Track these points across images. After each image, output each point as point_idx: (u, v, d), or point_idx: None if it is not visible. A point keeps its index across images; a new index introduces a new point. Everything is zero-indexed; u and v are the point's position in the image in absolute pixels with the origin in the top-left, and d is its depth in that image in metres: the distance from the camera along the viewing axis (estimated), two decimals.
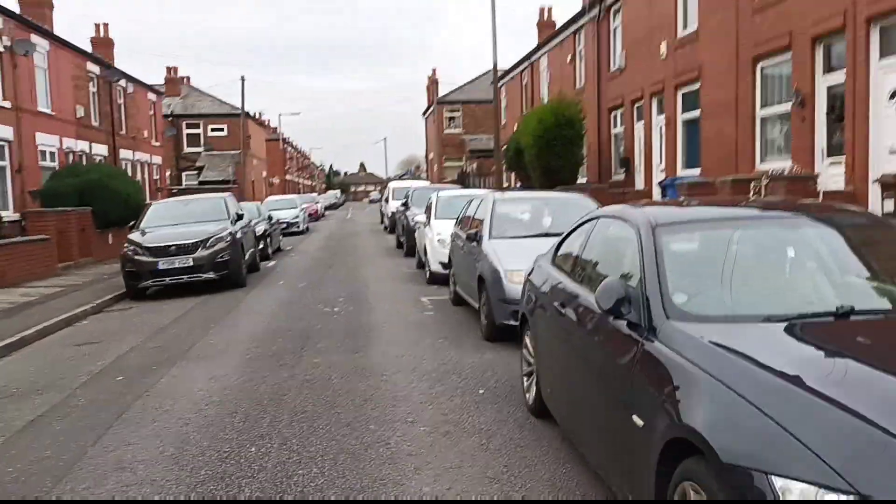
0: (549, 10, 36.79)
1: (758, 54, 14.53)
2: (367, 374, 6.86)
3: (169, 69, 51.12)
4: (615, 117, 23.87)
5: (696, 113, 17.58)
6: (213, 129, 49.90)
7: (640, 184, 21.30)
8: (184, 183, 46.10)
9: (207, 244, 13.32)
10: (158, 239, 13.39)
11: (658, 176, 19.67)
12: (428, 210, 14.49)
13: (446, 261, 11.53)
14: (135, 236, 13.76)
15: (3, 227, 17.91)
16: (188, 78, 54.07)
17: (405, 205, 19.41)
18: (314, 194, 67.09)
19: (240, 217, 15.11)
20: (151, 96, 36.06)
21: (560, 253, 5.32)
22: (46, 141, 23.37)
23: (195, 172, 47.67)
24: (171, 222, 14.26)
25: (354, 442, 5.04)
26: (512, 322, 7.39)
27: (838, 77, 12.24)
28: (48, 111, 23.60)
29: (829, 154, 12.64)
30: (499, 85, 26.36)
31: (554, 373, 4.77)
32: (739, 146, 15.25)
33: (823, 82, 12.72)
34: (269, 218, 21.20)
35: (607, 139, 24.34)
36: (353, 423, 5.43)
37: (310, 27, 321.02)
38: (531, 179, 23.13)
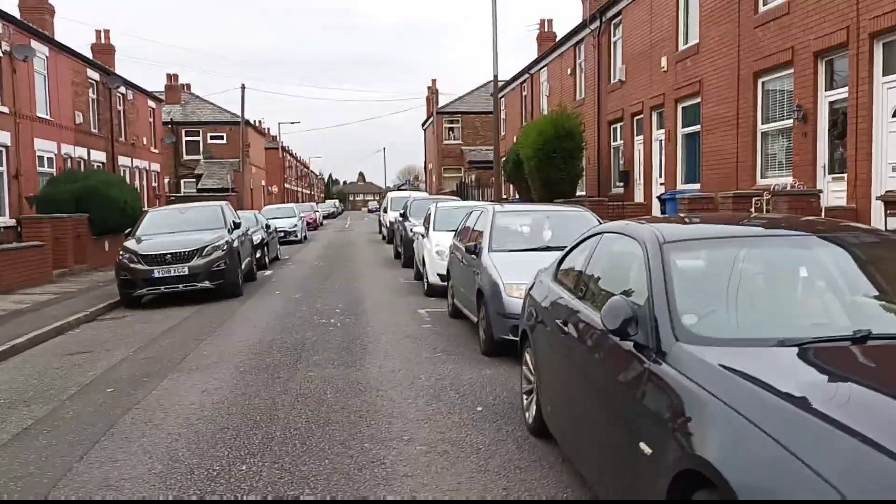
0: (550, 22, 36.86)
1: (759, 69, 14.48)
2: (363, 389, 6.71)
3: (169, 76, 51.14)
4: (615, 130, 23.83)
5: (696, 127, 17.53)
6: (212, 137, 49.87)
7: (639, 197, 21.22)
8: (182, 190, 46.00)
9: (203, 253, 13.18)
10: (154, 247, 13.24)
11: (657, 190, 19.59)
12: (426, 221, 14.38)
13: (444, 273, 11.40)
14: (130, 244, 13.61)
15: None
16: (188, 85, 54.13)
17: (403, 215, 19.30)
18: (313, 203, 67.00)
19: (237, 226, 14.97)
20: (151, 103, 36.01)
21: (562, 268, 5.19)
22: (45, 147, 23.27)
23: (194, 180, 47.58)
24: (167, 230, 14.12)
25: (348, 461, 4.89)
26: (511, 337, 7.26)
27: (841, 93, 12.17)
28: (47, 117, 23.51)
29: (831, 170, 12.56)
30: (499, 96, 26.32)
31: (555, 392, 4.64)
32: (740, 161, 15.18)
33: (826, 98, 12.66)
34: (267, 227, 21.07)
35: (607, 152, 24.28)
36: (348, 441, 5.27)
37: (312, 38, 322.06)
38: (530, 191, 23.05)
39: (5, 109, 20.35)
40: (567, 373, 4.37)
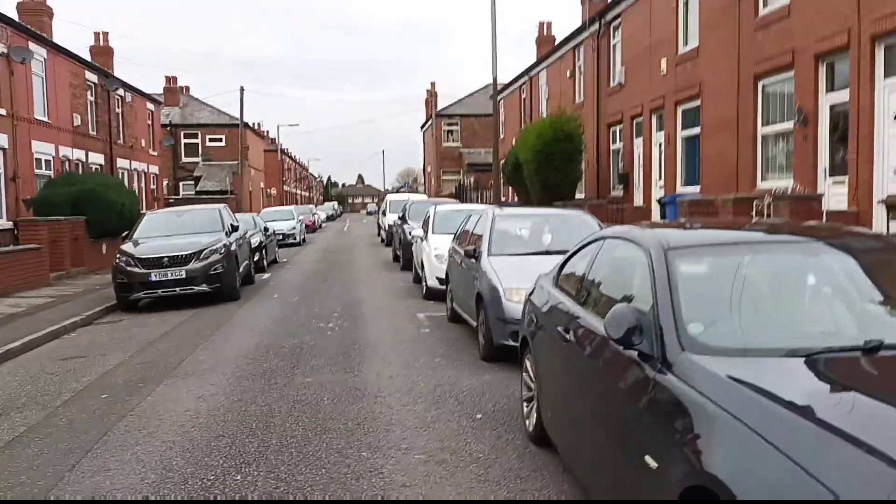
0: (549, 25, 36.80)
1: (759, 72, 14.42)
2: (361, 396, 6.62)
3: (168, 79, 51.08)
4: (614, 133, 23.76)
5: (696, 130, 17.46)
6: (211, 140, 49.78)
7: (638, 200, 21.15)
8: (181, 193, 45.92)
9: (201, 256, 13.09)
10: (151, 250, 13.15)
11: (657, 192, 19.52)
12: (425, 224, 14.30)
13: (444, 276, 11.31)
14: (127, 247, 13.52)
15: None
16: (187, 87, 54.01)
17: (402, 218, 19.22)
18: (312, 206, 66.90)
19: (234, 228, 14.88)
20: (150, 105, 35.91)
21: (564, 273, 5.10)
22: (42, 149, 23.17)
23: (192, 182, 47.50)
24: (164, 233, 14.03)
25: (345, 471, 4.80)
26: (511, 342, 7.18)
27: (842, 96, 12.10)
28: (45, 119, 23.41)
29: (832, 174, 12.49)
30: (498, 99, 26.24)
31: (556, 400, 4.55)
32: (740, 164, 15.10)
33: (826, 101, 12.59)
34: (266, 229, 20.97)
35: (606, 155, 24.21)
36: (345, 450, 5.18)
37: (312, 39, 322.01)
38: (529, 194, 22.97)
39: (3, 112, 20.26)
40: (568, 381, 4.29)
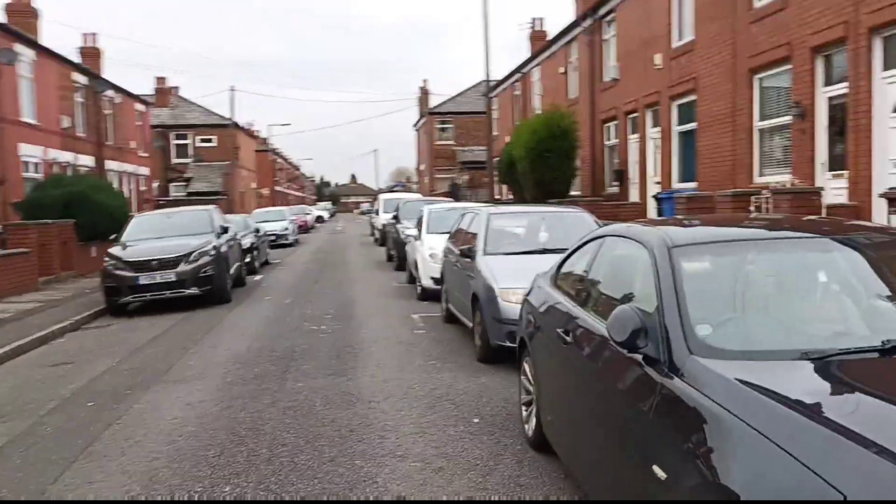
0: (542, 21, 36.60)
1: (755, 66, 14.27)
2: (354, 401, 6.44)
3: (158, 80, 50.69)
4: (609, 129, 23.61)
5: (692, 125, 17.31)
6: (201, 140, 49.43)
7: (634, 196, 21.00)
8: (172, 194, 45.58)
9: (190, 258, 12.87)
10: (140, 253, 12.93)
11: (653, 189, 19.37)
12: (419, 223, 14.12)
13: (438, 276, 11.14)
14: (115, 250, 13.30)
15: None
16: (177, 88, 53.61)
17: (396, 217, 19.03)
18: (305, 206, 66.51)
19: (225, 230, 14.65)
20: (139, 107, 35.63)
21: (562, 273, 4.94)
22: (30, 152, 22.91)
23: (184, 183, 47.16)
24: (153, 236, 13.80)
25: (338, 480, 4.62)
26: (507, 343, 7.02)
27: (839, 89, 11.97)
28: (33, 121, 23.14)
29: (831, 168, 12.35)
30: (491, 96, 26.10)
31: (556, 405, 4.38)
32: (737, 159, 14.96)
33: (824, 94, 12.45)
34: (257, 230, 20.74)
35: (601, 151, 24.06)
36: (338, 458, 5.00)
37: (311, 39, 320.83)
38: (524, 192, 22.80)
39: None
40: (569, 384, 4.12)
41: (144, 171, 35.80)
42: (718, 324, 3.09)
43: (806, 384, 2.64)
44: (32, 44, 23.51)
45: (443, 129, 54.67)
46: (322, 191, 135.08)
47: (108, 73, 30.84)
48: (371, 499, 4.34)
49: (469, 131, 51.87)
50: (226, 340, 9.74)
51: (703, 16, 16.27)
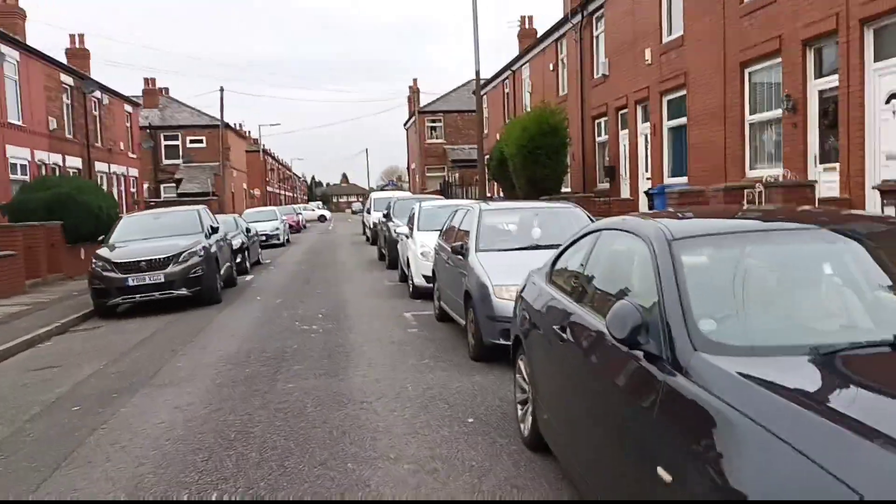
0: (530, 18, 36.50)
1: (746, 59, 14.22)
2: (346, 402, 6.30)
3: (147, 80, 50.34)
4: (599, 125, 23.54)
5: (682, 120, 17.25)
6: (191, 141, 49.14)
7: (626, 192, 20.94)
8: (162, 195, 45.29)
9: (179, 259, 12.69)
10: (128, 254, 12.75)
11: (644, 184, 19.31)
12: (411, 221, 13.98)
13: (430, 274, 11.02)
14: (103, 251, 13.11)
15: None
16: (166, 89, 53.27)
17: (387, 216, 18.88)
18: (298, 205, 66.08)
19: (214, 230, 14.48)
20: (128, 107, 35.34)
21: (557, 268, 4.82)
22: (17, 153, 22.66)
23: (174, 184, 46.87)
24: (142, 237, 13.62)
25: (329, 484, 4.49)
26: (501, 341, 6.90)
27: (831, 81, 11.92)
28: (19, 123, 22.88)
29: (823, 160, 12.30)
30: (481, 94, 25.95)
31: (554, 404, 4.26)
32: (728, 153, 14.91)
33: (815, 87, 12.40)
34: (248, 230, 20.56)
35: (591, 148, 23.99)
36: (329, 462, 4.87)
37: (292, 41, 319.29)
38: (515, 189, 22.71)
39: None
40: (567, 383, 4.00)
41: (134, 172, 35.51)
42: (722, 319, 2.98)
43: (818, 381, 2.53)
44: (18, 44, 23.24)
45: (433, 128, 54.53)
46: (313, 191, 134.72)
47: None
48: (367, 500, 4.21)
49: (459, 130, 51.79)
50: (215, 342, 9.59)
51: (693, 10, 16.21)
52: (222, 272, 14.30)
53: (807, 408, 2.27)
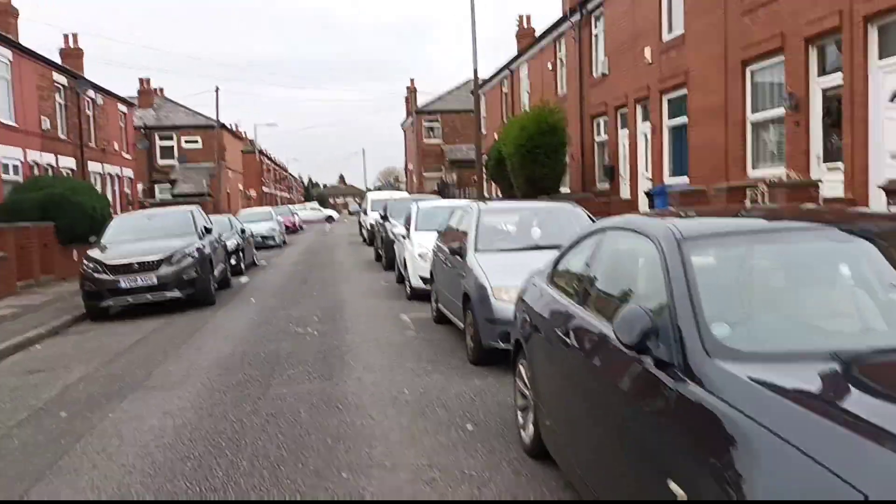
0: (528, 17, 36.29)
1: (747, 57, 14.05)
2: (341, 407, 6.12)
3: (142, 80, 50.07)
4: (598, 125, 23.38)
5: (683, 119, 17.09)
6: (187, 141, 48.89)
7: (625, 192, 20.78)
8: (157, 196, 45.03)
9: (172, 260, 12.49)
10: (119, 255, 12.54)
11: (644, 184, 19.15)
12: (408, 222, 13.80)
13: (428, 275, 10.84)
14: (94, 253, 12.90)
15: None
16: (161, 89, 53.00)
17: (384, 216, 18.69)
18: (296, 206, 65.66)
19: (208, 231, 14.29)
20: (122, 107, 35.08)
21: (559, 270, 4.65)
22: (9, 154, 22.41)
23: (169, 185, 46.60)
24: (134, 237, 13.42)
25: (323, 495, 4.32)
26: (501, 344, 6.73)
27: (834, 79, 11.75)
28: (11, 123, 22.64)
29: (826, 160, 12.14)
30: (479, 93, 25.80)
31: (556, 411, 4.09)
32: (730, 153, 14.74)
33: (818, 85, 12.24)
34: (242, 231, 20.35)
35: (590, 147, 23.82)
36: (323, 471, 4.69)
37: (291, 40, 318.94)
38: (513, 189, 22.54)
39: None
40: (571, 390, 3.83)
41: (129, 172, 35.27)
42: (735, 323, 2.81)
43: (842, 390, 2.36)
44: (11, 43, 23.01)
45: (431, 128, 54.34)
46: (310, 191, 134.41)
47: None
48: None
49: (457, 130, 51.58)
50: (209, 344, 9.40)
51: (694, 8, 16.04)
52: (216, 273, 14.10)
53: (833, 420, 2.10)
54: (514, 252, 7.90)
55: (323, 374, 7.37)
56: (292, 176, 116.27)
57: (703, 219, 3.98)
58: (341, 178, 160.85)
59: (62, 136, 26.75)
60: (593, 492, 3.48)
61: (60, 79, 26.92)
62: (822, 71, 12.15)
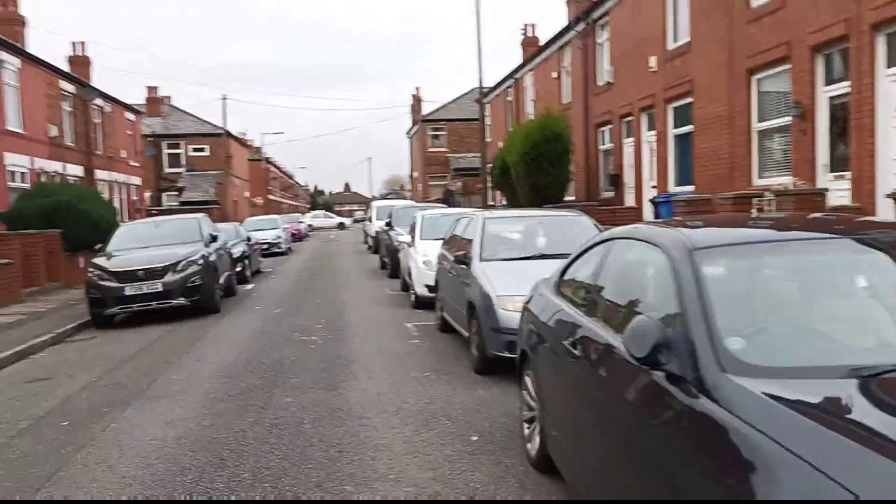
0: (533, 26, 36.32)
1: (753, 66, 13.99)
2: (344, 417, 6.05)
3: (149, 89, 50.23)
4: (603, 133, 23.32)
5: (688, 128, 17.02)
6: (194, 149, 48.98)
7: (630, 201, 20.70)
8: (164, 204, 45.10)
9: (178, 268, 12.46)
10: (125, 263, 12.52)
11: (649, 193, 19.06)
12: (413, 230, 13.75)
13: (432, 283, 10.77)
14: (100, 260, 12.88)
15: None
16: (169, 98, 53.18)
17: (389, 224, 18.66)
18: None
19: (214, 239, 14.26)
20: (130, 115, 35.19)
21: (565, 279, 4.58)
22: (16, 161, 22.47)
23: (176, 193, 46.68)
24: (140, 245, 13.38)
25: None
26: (506, 354, 6.66)
27: (841, 88, 11.69)
28: (19, 130, 22.71)
29: (833, 169, 12.05)
30: (483, 102, 25.80)
31: (563, 424, 4.01)
32: (735, 161, 14.66)
33: (825, 94, 12.17)
34: (248, 239, 20.34)
35: (595, 156, 23.76)
36: (325, 484, 4.62)
37: (296, 49, 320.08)
38: (518, 197, 22.48)
39: None
40: (578, 403, 3.75)
41: (136, 180, 35.35)
42: (750, 336, 2.74)
43: (863, 408, 2.29)
44: (18, 51, 23.11)
45: (435, 137, 54.35)
46: (316, 199, 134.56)
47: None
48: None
49: (462, 138, 51.56)
50: (212, 353, 9.35)
51: (699, 16, 16.00)
52: (221, 281, 14.07)
53: (853, 438, 2.03)
54: (520, 261, 7.83)
55: (326, 383, 7.31)
56: (298, 184, 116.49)
57: (713, 228, 3.91)
58: (346, 186, 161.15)
59: (69, 144, 26.83)
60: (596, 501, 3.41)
61: (68, 86, 27.02)
62: (829, 80, 12.08)
